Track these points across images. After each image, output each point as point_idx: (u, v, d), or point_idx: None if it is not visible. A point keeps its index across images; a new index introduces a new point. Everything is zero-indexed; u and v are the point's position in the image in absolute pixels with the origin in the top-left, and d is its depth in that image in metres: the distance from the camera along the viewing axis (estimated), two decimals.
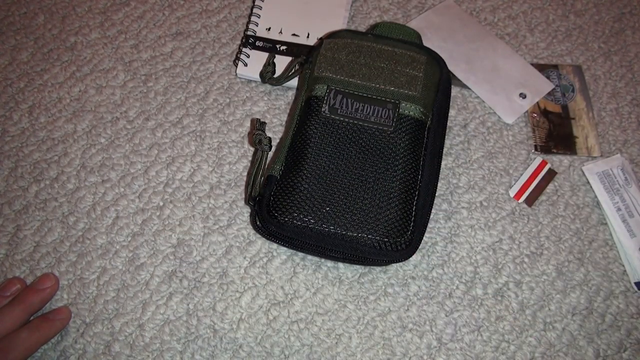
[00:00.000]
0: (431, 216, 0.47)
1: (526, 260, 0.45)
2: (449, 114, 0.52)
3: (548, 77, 0.53)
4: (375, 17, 0.56)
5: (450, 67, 0.53)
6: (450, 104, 0.52)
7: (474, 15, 0.57)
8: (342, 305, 0.43)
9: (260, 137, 0.43)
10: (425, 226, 0.42)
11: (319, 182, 0.41)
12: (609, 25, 0.57)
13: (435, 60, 0.47)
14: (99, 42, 0.54)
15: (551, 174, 0.49)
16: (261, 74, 0.51)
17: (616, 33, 0.57)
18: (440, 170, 0.49)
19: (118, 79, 0.52)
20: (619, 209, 0.47)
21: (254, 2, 0.56)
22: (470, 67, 0.53)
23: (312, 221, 0.40)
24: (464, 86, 0.53)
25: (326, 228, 0.40)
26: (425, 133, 0.44)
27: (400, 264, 0.45)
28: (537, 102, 0.52)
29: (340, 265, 0.44)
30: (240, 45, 0.54)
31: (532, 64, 0.54)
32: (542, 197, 0.48)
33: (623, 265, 0.46)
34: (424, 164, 0.44)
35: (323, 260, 0.45)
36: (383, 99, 0.44)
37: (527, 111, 0.52)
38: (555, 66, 0.54)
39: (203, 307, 0.43)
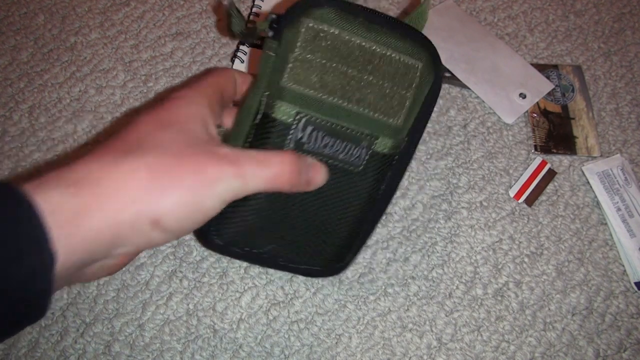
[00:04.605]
0: (431, 216, 0.47)
1: (526, 260, 0.45)
2: (449, 114, 0.52)
3: (548, 77, 0.53)
4: None
5: (450, 67, 0.53)
6: (450, 104, 0.52)
7: (474, 16, 0.57)
8: (342, 305, 0.43)
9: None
10: (365, 242, 0.41)
11: (267, 218, 0.37)
12: (609, 25, 0.57)
13: (432, 64, 0.37)
14: (99, 42, 0.54)
15: (551, 174, 0.49)
16: (230, 28, 0.37)
17: (616, 33, 0.57)
18: (440, 170, 0.49)
19: (118, 79, 0.52)
20: (619, 209, 0.47)
21: (253, 1, 0.56)
22: (470, 67, 0.53)
23: (254, 251, 0.39)
24: (464, 86, 0.53)
25: (267, 258, 0.39)
26: (394, 161, 0.38)
27: (400, 263, 0.45)
28: (537, 102, 0.52)
29: None
30: (238, 44, 0.54)
31: (532, 64, 0.54)
32: (542, 197, 0.48)
33: (623, 265, 0.46)
34: (382, 194, 0.39)
35: None
36: (359, 134, 0.36)
37: (527, 111, 0.52)
38: (555, 66, 0.54)
39: (203, 307, 0.43)
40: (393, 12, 0.57)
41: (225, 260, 0.45)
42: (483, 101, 0.52)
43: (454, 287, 0.44)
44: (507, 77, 0.53)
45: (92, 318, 0.42)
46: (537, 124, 0.51)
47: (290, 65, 0.34)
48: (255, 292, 0.43)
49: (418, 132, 0.39)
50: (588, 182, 0.49)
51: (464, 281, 0.44)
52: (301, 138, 0.35)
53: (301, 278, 0.44)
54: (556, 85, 0.53)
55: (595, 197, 0.48)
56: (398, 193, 0.47)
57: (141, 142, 0.29)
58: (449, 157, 0.50)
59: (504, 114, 0.51)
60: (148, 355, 0.41)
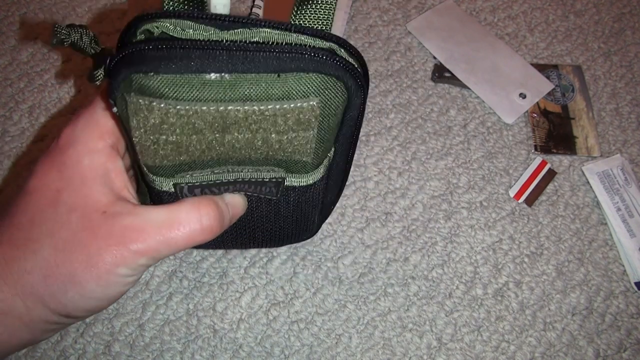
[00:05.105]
0: (431, 216, 0.47)
1: (526, 260, 0.45)
2: (449, 114, 0.52)
3: (548, 77, 0.53)
4: (375, 17, 0.56)
5: (450, 67, 0.53)
6: (450, 104, 0.52)
7: (474, 16, 0.57)
8: (342, 305, 0.43)
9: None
10: (333, 208, 0.41)
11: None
12: (609, 25, 0.57)
13: (338, 83, 0.26)
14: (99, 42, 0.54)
15: (551, 174, 0.49)
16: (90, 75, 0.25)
17: (616, 33, 0.57)
18: (440, 170, 0.49)
19: None
20: (619, 209, 0.47)
21: (253, 1, 0.56)
22: (470, 67, 0.53)
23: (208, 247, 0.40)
24: (464, 86, 0.53)
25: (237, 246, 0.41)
26: (324, 179, 0.33)
27: (400, 263, 0.45)
28: (537, 102, 0.52)
29: (340, 265, 0.44)
30: None
31: (532, 64, 0.54)
32: (542, 197, 0.48)
33: (623, 265, 0.46)
34: (326, 188, 0.35)
35: (323, 260, 0.45)
36: (260, 179, 0.30)
37: (527, 111, 0.52)
38: (555, 66, 0.54)
39: (203, 307, 0.43)
40: (393, 12, 0.57)
41: (225, 260, 0.45)
42: (483, 101, 0.52)
43: (454, 287, 0.44)
44: (507, 77, 0.53)
45: (92, 318, 0.42)
46: (537, 124, 0.51)
47: (137, 148, 0.27)
48: (255, 292, 0.43)
49: (347, 142, 0.32)
50: (588, 182, 0.49)
51: (464, 281, 0.44)
52: (194, 195, 0.30)
53: (301, 278, 0.44)
54: (556, 85, 0.53)
55: (595, 197, 0.48)
56: (398, 193, 0.47)
57: (33, 229, 0.27)
58: (449, 157, 0.49)
59: (504, 114, 0.51)
60: (148, 355, 0.41)
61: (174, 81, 0.24)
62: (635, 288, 0.44)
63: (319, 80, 0.25)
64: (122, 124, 0.27)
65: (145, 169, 0.28)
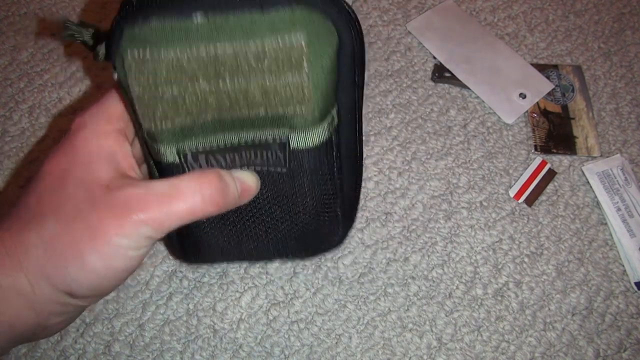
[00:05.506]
0: (431, 216, 0.47)
1: (526, 260, 0.45)
2: (449, 114, 0.52)
3: (548, 77, 0.53)
4: (375, 17, 0.56)
5: (450, 67, 0.53)
6: (450, 104, 0.52)
7: (474, 16, 0.57)
8: (342, 305, 0.43)
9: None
10: (356, 208, 0.39)
11: (231, 235, 0.35)
12: (609, 25, 0.57)
13: (326, 20, 0.27)
14: None
15: (551, 174, 0.49)
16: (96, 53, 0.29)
17: (616, 33, 0.57)
18: (440, 170, 0.49)
19: None
20: (619, 209, 0.47)
21: None
22: (470, 67, 0.53)
23: (232, 258, 0.39)
24: (464, 86, 0.53)
25: (257, 257, 0.39)
26: (333, 146, 0.32)
27: (400, 263, 0.45)
28: (537, 102, 0.52)
29: (340, 265, 0.44)
30: None
31: (532, 64, 0.54)
32: (542, 197, 0.48)
33: (623, 265, 0.46)
34: (340, 167, 0.34)
35: (323, 260, 0.45)
36: (263, 141, 0.30)
37: (527, 111, 0.52)
38: (555, 66, 0.54)
39: (203, 307, 0.43)
40: (393, 12, 0.57)
41: None
42: (483, 101, 0.52)
43: (454, 287, 0.44)
44: (507, 77, 0.53)
45: (92, 318, 0.42)
46: (537, 124, 0.51)
47: (138, 108, 0.28)
48: (255, 292, 0.43)
49: (349, 101, 0.31)
50: (588, 182, 0.49)
51: (464, 281, 0.44)
52: (200, 167, 0.30)
53: (301, 278, 0.44)
54: (556, 85, 0.53)
55: (595, 197, 0.48)
56: (398, 193, 0.47)
57: (40, 207, 0.27)
58: (449, 157, 0.49)
59: (504, 114, 0.51)
60: (148, 355, 0.41)
61: (163, 29, 0.26)
62: (635, 288, 0.44)
63: (304, 13, 0.26)
64: (124, 93, 0.28)
65: (149, 140, 0.29)
